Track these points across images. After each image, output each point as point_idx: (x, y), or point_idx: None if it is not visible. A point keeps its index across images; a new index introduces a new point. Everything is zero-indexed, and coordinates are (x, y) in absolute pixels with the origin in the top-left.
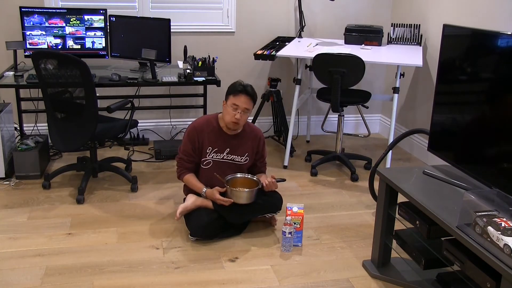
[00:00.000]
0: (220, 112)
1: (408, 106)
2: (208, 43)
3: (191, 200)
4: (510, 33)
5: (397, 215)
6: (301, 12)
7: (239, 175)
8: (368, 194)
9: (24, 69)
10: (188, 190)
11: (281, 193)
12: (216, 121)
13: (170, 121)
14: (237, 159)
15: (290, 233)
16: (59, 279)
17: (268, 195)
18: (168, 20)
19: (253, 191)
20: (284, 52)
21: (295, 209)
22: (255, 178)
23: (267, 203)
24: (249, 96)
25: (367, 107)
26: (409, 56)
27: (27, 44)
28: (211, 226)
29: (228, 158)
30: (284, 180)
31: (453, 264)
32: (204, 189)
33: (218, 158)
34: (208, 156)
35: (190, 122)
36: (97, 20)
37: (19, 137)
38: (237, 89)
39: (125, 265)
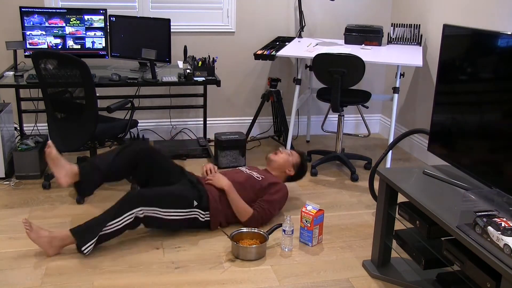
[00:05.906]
0: None
1: (408, 106)
2: (208, 43)
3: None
4: (510, 33)
5: (397, 215)
6: (301, 12)
7: (244, 229)
8: (368, 194)
9: (24, 69)
10: None
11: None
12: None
13: (170, 121)
14: (255, 175)
15: (290, 231)
16: (59, 279)
17: None
18: (168, 20)
19: (263, 246)
20: (284, 52)
21: (309, 207)
22: (262, 232)
23: None
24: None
25: (367, 107)
26: (409, 56)
27: (27, 44)
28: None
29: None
30: (280, 225)
31: (453, 264)
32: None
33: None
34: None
35: (190, 122)
36: (97, 20)
37: (19, 137)
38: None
39: (125, 265)
